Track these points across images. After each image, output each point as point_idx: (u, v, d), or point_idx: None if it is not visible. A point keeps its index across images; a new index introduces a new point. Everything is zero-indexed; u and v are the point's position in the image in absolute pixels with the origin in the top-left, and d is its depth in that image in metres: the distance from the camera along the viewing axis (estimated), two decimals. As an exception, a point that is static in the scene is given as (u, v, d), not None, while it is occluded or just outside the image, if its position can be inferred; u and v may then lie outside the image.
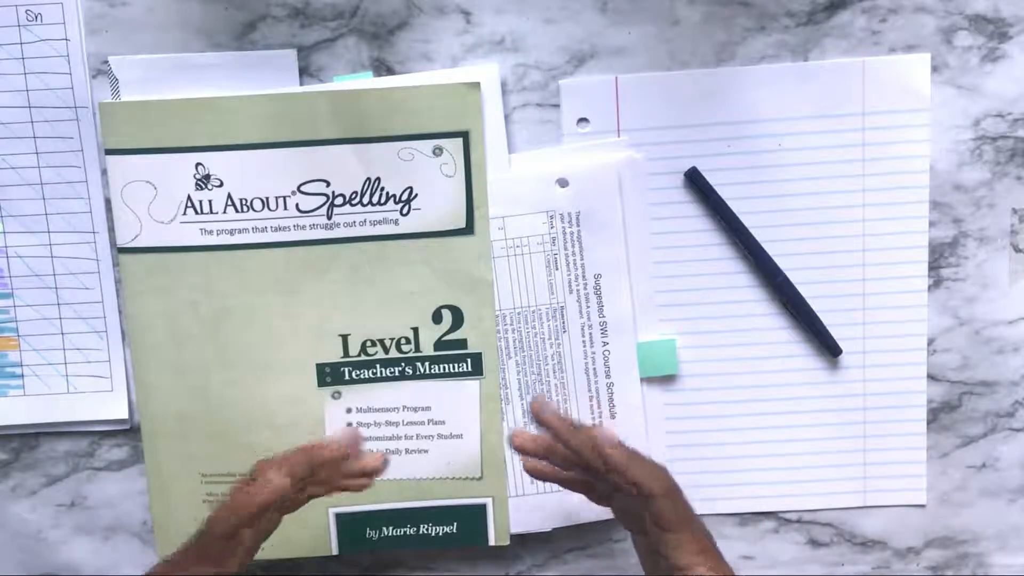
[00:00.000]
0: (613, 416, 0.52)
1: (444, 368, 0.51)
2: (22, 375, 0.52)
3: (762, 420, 0.52)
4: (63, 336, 0.52)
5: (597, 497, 0.47)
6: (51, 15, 0.49)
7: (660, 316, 0.52)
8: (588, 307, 0.51)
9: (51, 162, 0.50)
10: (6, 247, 0.51)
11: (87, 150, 0.50)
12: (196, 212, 0.50)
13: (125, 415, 0.52)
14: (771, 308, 0.52)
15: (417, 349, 0.51)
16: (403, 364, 0.51)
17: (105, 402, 0.52)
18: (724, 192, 0.50)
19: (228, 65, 0.50)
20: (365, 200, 0.50)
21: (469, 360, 0.51)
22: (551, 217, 0.51)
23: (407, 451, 0.52)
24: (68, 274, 0.51)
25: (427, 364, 0.51)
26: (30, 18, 0.48)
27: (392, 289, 0.51)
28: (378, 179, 0.50)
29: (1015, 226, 0.51)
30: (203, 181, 0.50)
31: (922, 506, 0.53)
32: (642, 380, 0.52)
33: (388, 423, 0.52)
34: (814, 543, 0.54)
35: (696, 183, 0.50)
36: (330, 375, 0.51)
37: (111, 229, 0.51)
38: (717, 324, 0.52)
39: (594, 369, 0.52)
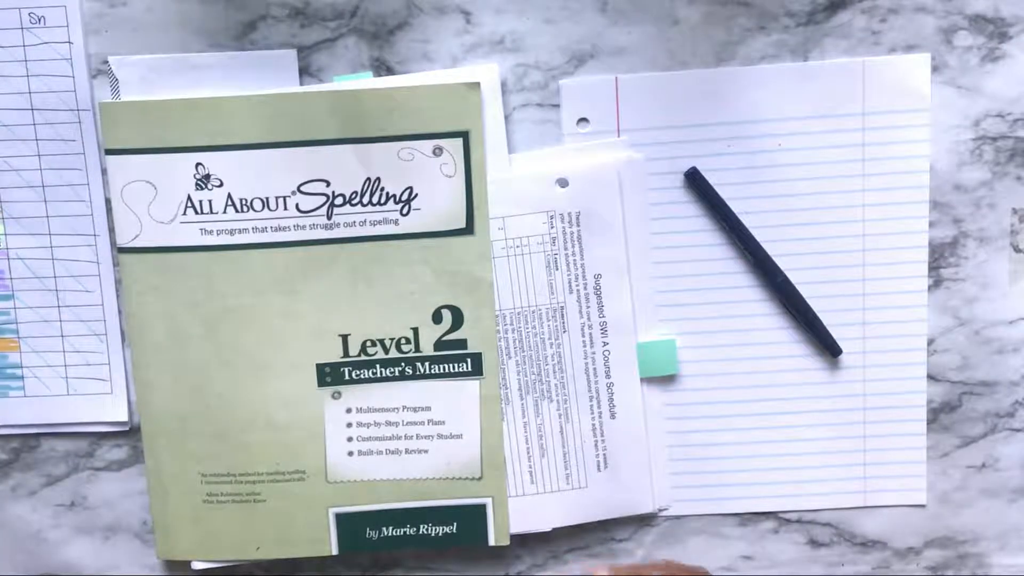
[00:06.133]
0: (613, 416, 0.52)
1: (444, 368, 0.51)
2: (23, 376, 0.52)
3: (762, 420, 0.52)
4: (63, 339, 0.52)
5: None
6: (54, 18, 0.49)
7: (660, 316, 0.52)
8: (588, 307, 0.51)
9: (53, 164, 0.50)
10: (7, 249, 0.51)
11: (88, 152, 0.50)
12: (196, 212, 0.50)
13: (125, 417, 0.52)
14: (771, 308, 0.52)
15: (417, 349, 0.51)
16: (403, 364, 0.51)
17: (105, 404, 0.52)
18: (724, 192, 0.50)
19: (228, 65, 0.50)
20: (365, 200, 0.50)
21: (469, 360, 0.51)
22: (551, 217, 0.51)
23: (407, 451, 0.52)
24: (68, 276, 0.51)
25: (427, 364, 0.51)
26: (33, 21, 0.48)
27: (392, 289, 0.51)
28: (378, 179, 0.50)
29: (1015, 226, 0.51)
30: (203, 181, 0.50)
31: (922, 506, 0.53)
32: (642, 380, 0.52)
33: (388, 423, 0.52)
34: (814, 543, 0.54)
35: (696, 183, 0.50)
36: (330, 375, 0.51)
37: (111, 231, 0.51)
38: (717, 324, 0.52)
39: (594, 369, 0.52)
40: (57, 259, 0.51)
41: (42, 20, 0.48)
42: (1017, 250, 0.51)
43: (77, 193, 0.50)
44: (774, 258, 0.51)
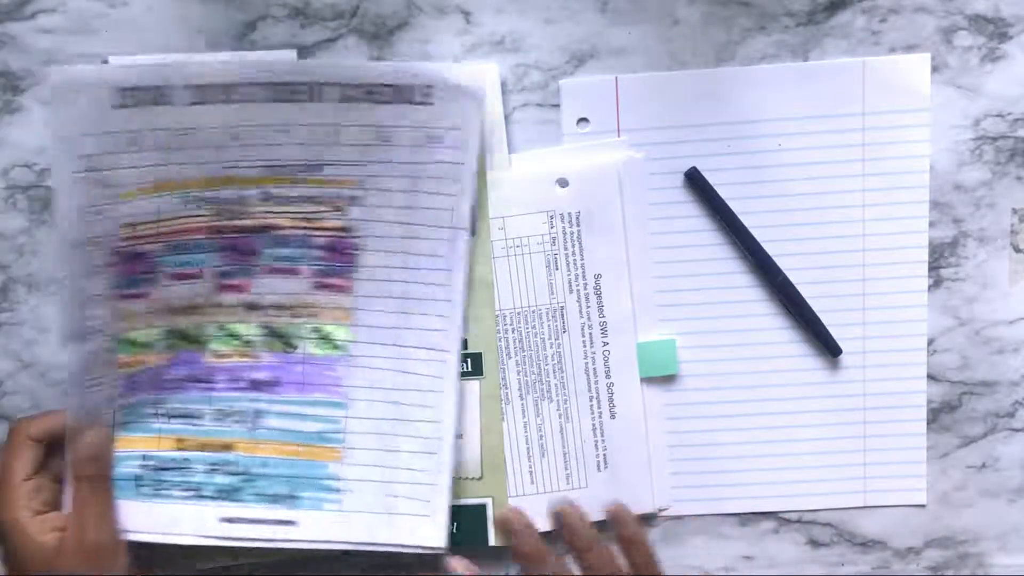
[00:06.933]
0: (613, 416, 0.52)
1: (444, 368, 0.51)
2: (339, 489, 0.49)
3: (762, 420, 0.52)
4: (392, 453, 0.50)
5: None
6: (450, 139, 0.48)
7: (660, 316, 0.52)
8: (588, 307, 0.51)
9: (419, 278, 0.49)
10: (352, 356, 0.50)
11: (456, 270, 0.49)
12: None
13: (443, 544, 0.50)
14: (771, 308, 0.52)
15: (417, 349, 0.51)
16: (403, 364, 0.51)
17: (422, 527, 0.49)
18: (724, 192, 0.50)
19: (228, 65, 0.50)
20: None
21: (469, 360, 0.51)
22: (551, 217, 0.51)
23: (407, 451, 0.52)
24: (411, 390, 0.49)
25: (427, 364, 0.51)
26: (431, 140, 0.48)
27: (392, 289, 0.51)
28: (378, 179, 0.50)
29: (1015, 226, 0.51)
30: None
31: (922, 506, 0.53)
32: (642, 380, 0.52)
33: (388, 423, 0.52)
34: (814, 543, 0.54)
35: (696, 183, 0.50)
36: (330, 375, 0.51)
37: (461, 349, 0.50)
38: (717, 324, 0.52)
39: (594, 369, 0.52)
40: (400, 371, 0.49)
41: (439, 140, 0.48)
42: (1017, 250, 0.51)
43: (437, 308, 0.49)
44: (774, 258, 0.51)
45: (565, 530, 0.50)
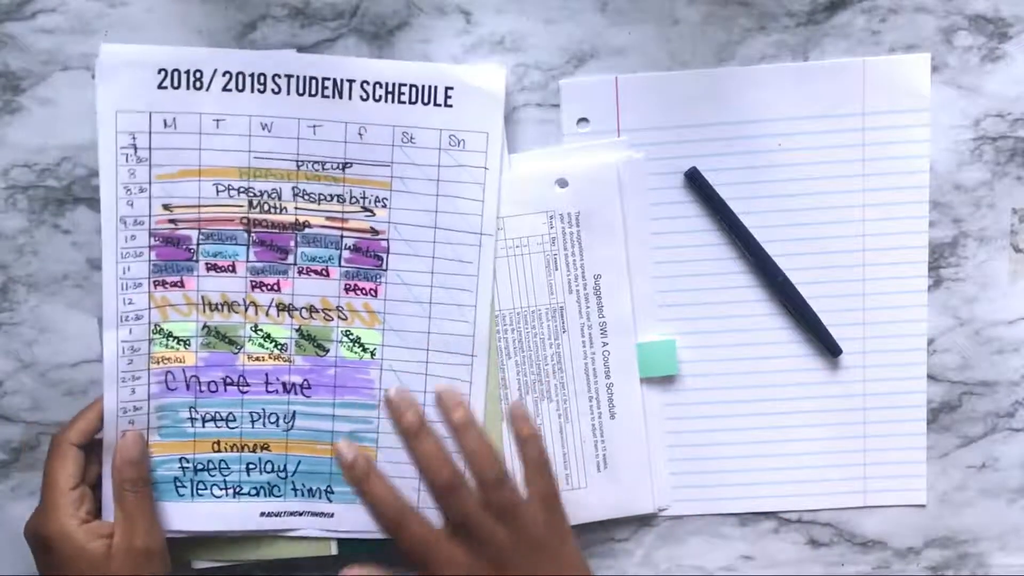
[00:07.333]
0: (613, 416, 0.52)
1: (444, 368, 0.51)
2: None
3: (762, 420, 0.52)
4: None
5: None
6: (474, 143, 0.48)
7: (660, 316, 0.52)
8: (588, 307, 0.51)
9: (444, 283, 0.50)
10: (382, 359, 0.51)
11: (482, 276, 0.50)
12: None
13: None
14: (771, 308, 0.52)
15: (417, 349, 0.51)
16: (403, 364, 0.51)
17: None
18: (724, 192, 0.50)
19: (228, 65, 0.50)
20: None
21: (469, 360, 0.51)
22: (551, 217, 0.51)
23: (407, 451, 0.52)
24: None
25: (427, 364, 0.51)
26: (453, 143, 0.48)
27: (392, 289, 0.51)
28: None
29: (1015, 226, 0.51)
30: None
31: (922, 506, 0.53)
32: (642, 380, 0.52)
33: (388, 423, 0.52)
34: (814, 543, 0.54)
35: (696, 183, 0.50)
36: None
37: (489, 354, 0.51)
38: (717, 324, 0.52)
39: (594, 369, 0.52)
40: (430, 375, 0.50)
41: (462, 143, 0.48)
42: (1017, 250, 0.51)
43: (463, 313, 0.50)
44: (774, 258, 0.51)
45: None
